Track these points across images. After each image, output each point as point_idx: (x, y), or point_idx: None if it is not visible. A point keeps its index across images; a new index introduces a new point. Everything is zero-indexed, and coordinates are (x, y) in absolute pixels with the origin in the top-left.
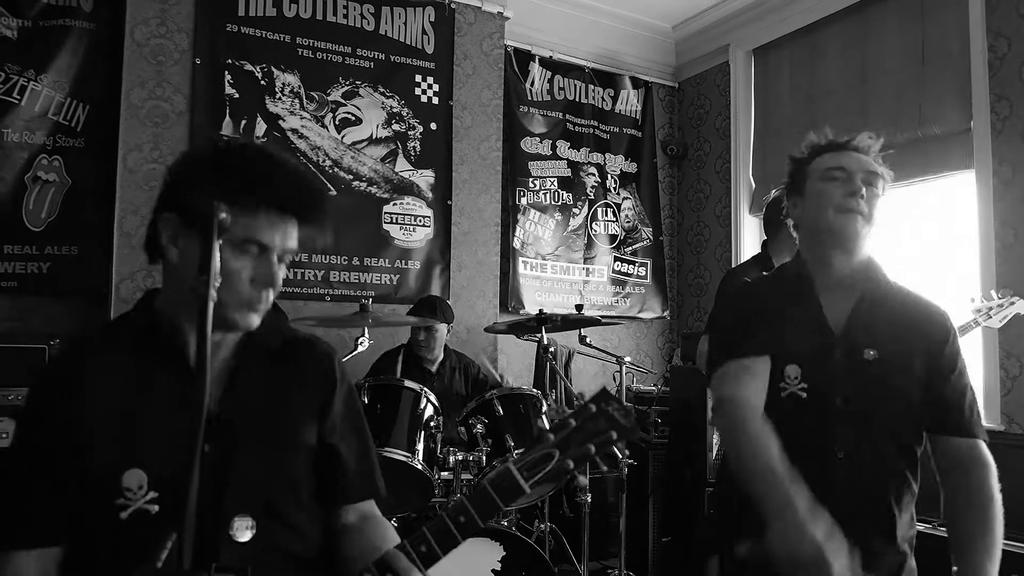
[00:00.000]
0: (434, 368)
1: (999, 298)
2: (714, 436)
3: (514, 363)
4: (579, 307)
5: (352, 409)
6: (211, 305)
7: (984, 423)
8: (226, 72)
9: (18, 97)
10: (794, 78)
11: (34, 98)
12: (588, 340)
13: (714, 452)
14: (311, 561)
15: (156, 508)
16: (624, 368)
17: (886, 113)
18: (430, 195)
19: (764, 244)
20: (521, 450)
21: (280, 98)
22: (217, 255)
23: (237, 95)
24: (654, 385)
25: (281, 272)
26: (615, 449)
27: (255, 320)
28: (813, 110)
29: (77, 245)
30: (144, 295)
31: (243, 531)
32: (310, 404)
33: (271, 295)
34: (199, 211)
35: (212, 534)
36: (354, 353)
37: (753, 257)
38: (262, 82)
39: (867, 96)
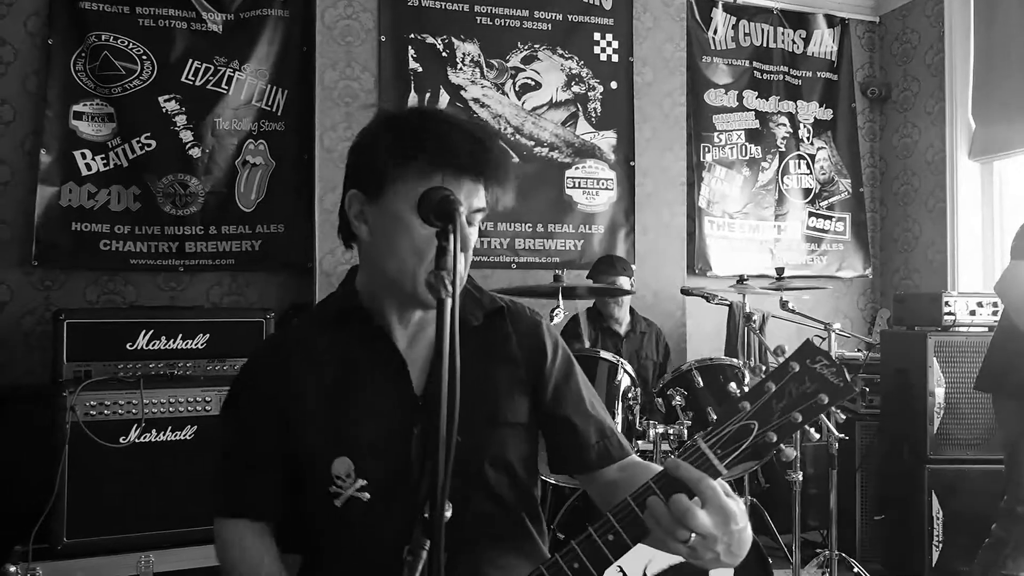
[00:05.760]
0: (622, 331)
1: None
2: (936, 409)
3: (702, 327)
4: (780, 270)
5: (572, 376)
6: (456, 303)
7: None
8: (409, 47)
9: (226, 87)
10: None
11: (239, 87)
12: (790, 304)
13: (935, 425)
14: (515, 535)
15: (367, 496)
16: (833, 336)
17: None
18: (612, 157)
19: None
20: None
21: (461, 68)
22: (459, 249)
23: (420, 69)
24: (858, 350)
25: (473, 236)
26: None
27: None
28: None
29: (283, 223)
30: (348, 273)
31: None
32: (520, 380)
33: (463, 261)
34: (376, 178)
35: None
36: (552, 324)
37: None
38: (443, 54)
39: None
